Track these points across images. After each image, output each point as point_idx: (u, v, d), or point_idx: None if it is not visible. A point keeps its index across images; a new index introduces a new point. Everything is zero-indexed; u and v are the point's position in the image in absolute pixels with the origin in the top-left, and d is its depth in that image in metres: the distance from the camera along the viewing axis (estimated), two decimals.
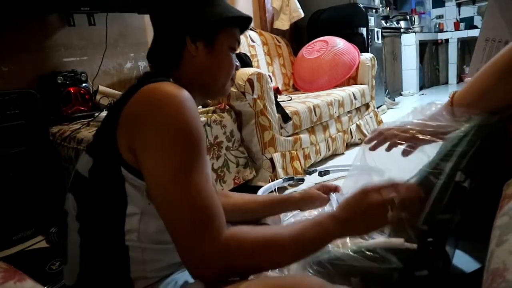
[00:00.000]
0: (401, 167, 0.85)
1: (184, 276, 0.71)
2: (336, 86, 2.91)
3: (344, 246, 0.74)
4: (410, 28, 5.46)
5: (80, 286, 0.70)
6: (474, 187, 0.69)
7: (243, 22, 0.84)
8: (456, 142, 0.71)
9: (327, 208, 0.96)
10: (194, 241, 0.57)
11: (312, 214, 1.03)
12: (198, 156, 0.62)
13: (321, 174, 2.06)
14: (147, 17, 2.40)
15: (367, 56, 3.02)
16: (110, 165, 0.66)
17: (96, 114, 1.78)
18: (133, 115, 0.64)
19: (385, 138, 0.87)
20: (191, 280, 0.70)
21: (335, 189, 1.03)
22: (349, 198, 0.67)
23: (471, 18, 5.95)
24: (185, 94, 0.65)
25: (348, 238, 0.75)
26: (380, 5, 4.28)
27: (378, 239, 0.73)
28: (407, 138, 0.81)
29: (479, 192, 0.72)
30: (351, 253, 0.72)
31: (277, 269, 0.78)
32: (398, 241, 0.69)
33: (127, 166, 0.64)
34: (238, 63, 0.84)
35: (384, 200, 0.64)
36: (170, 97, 0.63)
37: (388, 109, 4.04)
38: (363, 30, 3.32)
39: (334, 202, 0.94)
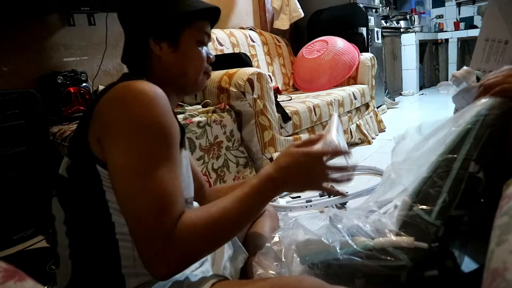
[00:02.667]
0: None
1: (182, 276, 0.71)
2: (336, 86, 2.91)
3: (348, 245, 0.72)
4: (410, 28, 5.46)
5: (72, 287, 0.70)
6: (489, 179, 0.67)
7: (211, 14, 0.82)
8: (469, 128, 0.69)
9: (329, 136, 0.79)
10: (150, 233, 0.56)
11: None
12: (165, 152, 0.62)
13: None
14: None
15: (367, 56, 3.02)
16: (85, 164, 0.67)
17: None
18: (103, 111, 0.65)
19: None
20: (193, 279, 0.70)
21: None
22: (288, 157, 0.68)
23: (471, 18, 5.95)
24: (156, 90, 0.66)
25: (351, 238, 0.74)
26: (380, 5, 4.27)
27: (387, 237, 0.71)
28: None
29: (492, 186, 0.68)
30: (356, 251, 0.70)
31: (278, 270, 0.78)
32: (408, 240, 0.67)
33: (101, 163, 0.65)
34: (212, 55, 0.83)
35: (326, 167, 0.67)
36: (139, 93, 0.64)
37: (388, 108, 4.04)
38: (363, 30, 3.32)
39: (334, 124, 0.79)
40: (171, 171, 0.61)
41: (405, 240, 0.67)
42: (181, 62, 0.78)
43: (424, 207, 0.68)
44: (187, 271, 0.71)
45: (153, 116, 0.62)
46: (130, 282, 0.67)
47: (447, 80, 0.97)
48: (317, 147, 0.70)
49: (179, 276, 0.69)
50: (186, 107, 1.94)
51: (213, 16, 0.84)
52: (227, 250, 0.91)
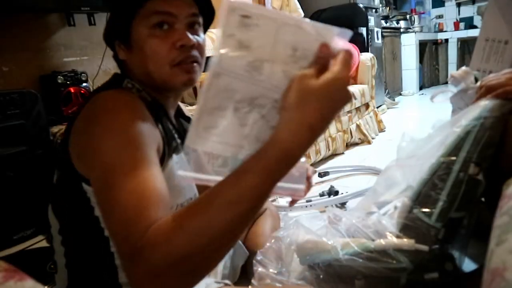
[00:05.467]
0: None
1: None
2: None
3: (349, 246, 0.72)
4: (410, 28, 5.46)
5: None
6: (488, 179, 0.67)
7: None
8: (469, 130, 0.69)
9: None
10: (120, 251, 0.48)
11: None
12: (134, 157, 0.55)
13: (321, 175, 2.06)
14: None
15: (367, 56, 3.02)
16: (71, 180, 0.65)
17: None
18: (76, 124, 0.64)
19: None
20: None
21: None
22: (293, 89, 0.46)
23: (471, 18, 5.95)
24: (123, 97, 0.64)
25: (351, 239, 0.74)
26: (380, 5, 4.27)
27: (388, 239, 0.72)
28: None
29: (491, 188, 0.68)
30: (357, 252, 0.70)
31: (278, 270, 0.78)
32: (408, 242, 0.68)
33: (85, 181, 0.62)
34: (185, 40, 0.67)
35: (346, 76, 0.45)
36: (104, 100, 0.63)
37: (388, 108, 4.04)
38: (363, 30, 3.33)
39: None
40: (139, 177, 0.53)
41: (406, 242, 0.68)
42: (139, 61, 0.70)
43: (424, 209, 0.68)
44: None
45: (118, 121, 0.59)
46: None
47: (447, 80, 0.97)
48: (335, 68, 0.46)
49: None
50: (186, 107, 1.94)
51: None
52: None
